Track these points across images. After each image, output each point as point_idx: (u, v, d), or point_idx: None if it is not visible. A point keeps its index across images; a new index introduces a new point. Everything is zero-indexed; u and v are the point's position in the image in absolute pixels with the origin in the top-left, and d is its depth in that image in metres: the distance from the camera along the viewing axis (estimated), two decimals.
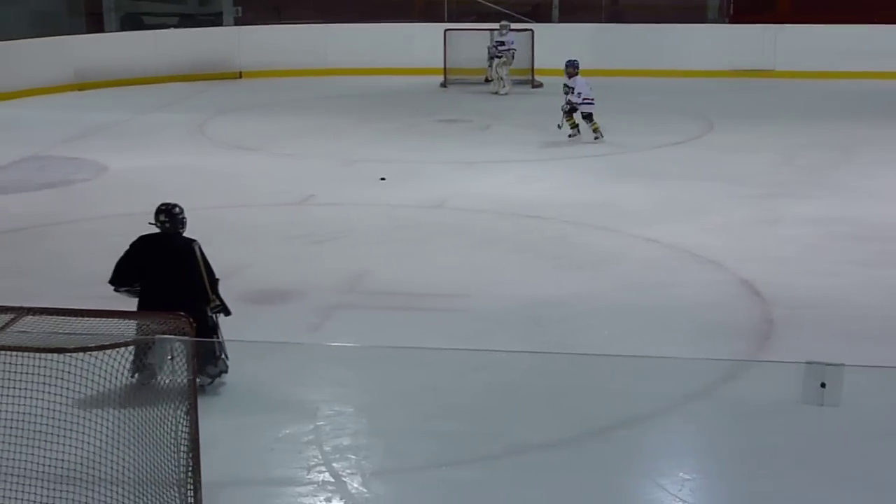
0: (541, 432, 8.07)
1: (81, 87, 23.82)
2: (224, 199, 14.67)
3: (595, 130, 17.79)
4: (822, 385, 7.49)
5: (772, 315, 10.32)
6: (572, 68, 17.89)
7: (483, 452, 7.79)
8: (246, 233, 13.24)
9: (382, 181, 15.44)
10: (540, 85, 23.82)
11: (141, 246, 8.74)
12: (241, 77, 25.69)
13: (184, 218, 8.78)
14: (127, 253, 8.77)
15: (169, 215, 8.68)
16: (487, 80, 23.63)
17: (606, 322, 10.24)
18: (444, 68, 24.31)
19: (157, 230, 8.71)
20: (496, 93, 23.17)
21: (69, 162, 17.16)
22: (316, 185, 15.46)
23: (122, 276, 8.74)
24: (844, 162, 16.79)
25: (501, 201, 14.44)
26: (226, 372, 8.61)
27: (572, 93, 17.74)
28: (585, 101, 17.67)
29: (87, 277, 11.27)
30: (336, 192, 15.04)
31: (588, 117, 17.79)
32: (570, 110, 17.88)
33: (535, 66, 24.07)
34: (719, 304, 10.67)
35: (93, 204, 14.70)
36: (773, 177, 15.81)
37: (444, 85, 24.12)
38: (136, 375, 7.57)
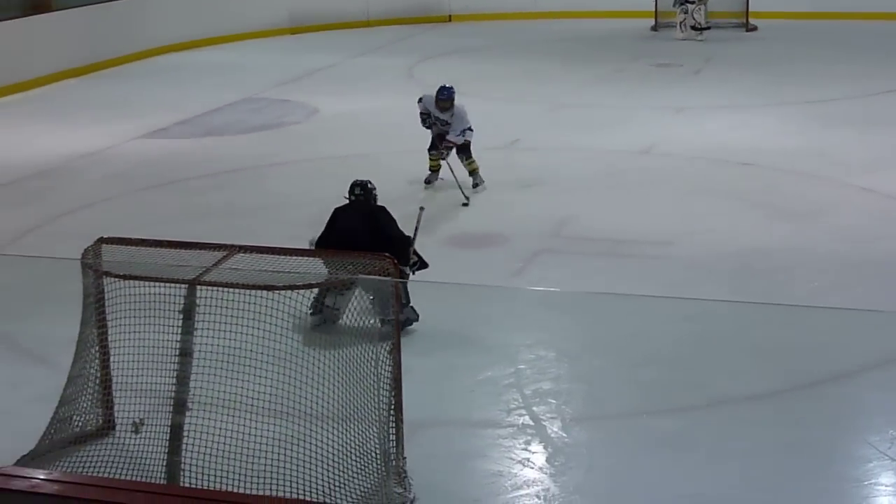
0: (745, 384, 7.90)
1: (294, 30, 24.29)
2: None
3: (473, 173, 12.60)
4: None
5: None
6: (447, 100, 12.45)
7: (685, 402, 7.69)
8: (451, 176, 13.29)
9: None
10: (754, 28, 23.21)
11: (338, 214, 8.88)
12: (450, 20, 25.78)
13: (376, 194, 9.00)
14: (326, 227, 8.86)
15: (364, 189, 8.92)
16: (696, 29, 22.81)
17: (817, 274, 9.95)
18: (655, 11, 23.85)
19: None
20: (684, 39, 22.52)
21: (282, 104, 17.55)
22: (523, 129, 15.43)
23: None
24: None
25: (711, 147, 14.15)
26: (416, 320, 8.66)
27: (444, 126, 12.54)
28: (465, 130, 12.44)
29: (299, 217, 11.54)
30: (543, 137, 14.98)
31: (464, 150, 12.50)
32: (435, 146, 12.71)
33: (750, 9, 23.42)
34: None
35: (305, 146, 15.00)
36: None
37: (654, 28, 23.70)
38: (313, 316, 8.17)
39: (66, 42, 20.20)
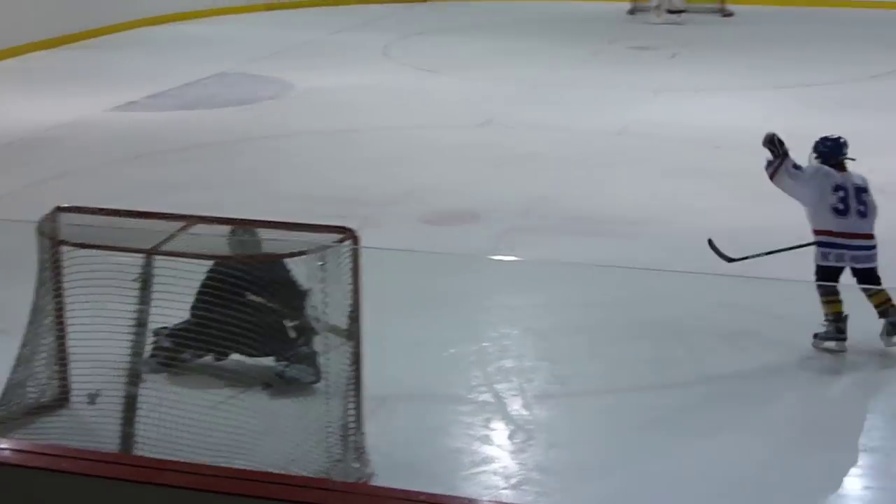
0: (715, 363, 7.86)
1: (270, 6, 24.08)
2: (406, 120, 14.69)
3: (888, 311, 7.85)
4: None
5: None
6: (842, 153, 8.22)
7: (649, 380, 7.63)
8: (426, 153, 13.24)
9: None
10: (731, 14, 23.16)
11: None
12: (427, 1, 25.61)
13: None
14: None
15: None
16: (672, 12, 22.77)
17: (793, 255, 9.87)
18: None
19: None
20: (661, 23, 22.42)
21: (256, 80, 17.40)
22: (498, 108, 15.34)
23: None
24: None
25: (687, 129, 14.08)
26: (313, 381, 6.88)
27: (847, 213, 7.90)
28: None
29: (272, 192, 11.46)
30: (519, 116, 14.89)
31: (871, 276, 7.89)
32: (826, 276, 7.94)
33: None
34: None
35: (278, 122, 14.88)
36: None
37: (631, 12, 23.60)
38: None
39: (39, 12, 19.94)
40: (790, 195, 8.14)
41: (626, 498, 6.24)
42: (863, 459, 6.82)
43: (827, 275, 7.85)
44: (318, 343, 6.72)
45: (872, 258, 7.76)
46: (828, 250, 7.80)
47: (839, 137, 8.11)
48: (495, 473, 6.49)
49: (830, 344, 7.80)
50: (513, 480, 6.43)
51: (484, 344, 8.21)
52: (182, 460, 5.69)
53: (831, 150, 8.10)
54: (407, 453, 6.69)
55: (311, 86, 16.77)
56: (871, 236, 7.74)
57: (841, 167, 7.99)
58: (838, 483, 6.58)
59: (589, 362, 7.88)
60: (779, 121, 14.43)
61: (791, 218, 10.69)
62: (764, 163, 8.15)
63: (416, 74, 17.95)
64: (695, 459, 6.64)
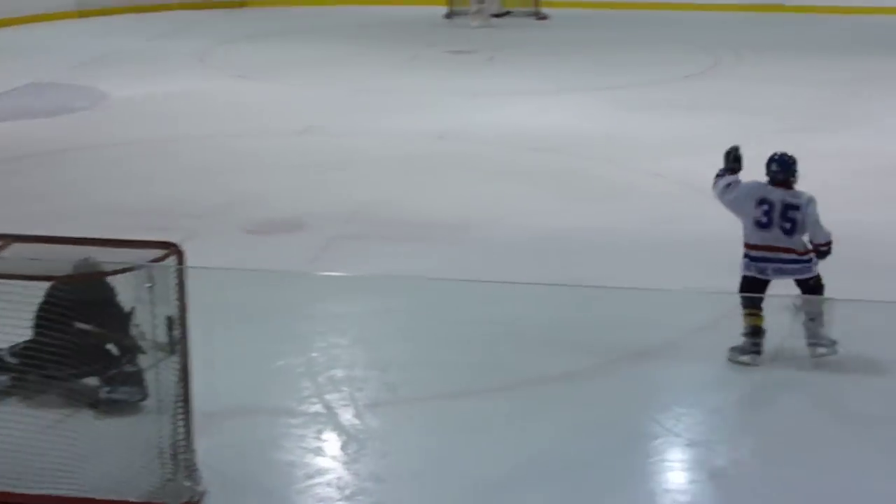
0: (541, 366, 7.97)
1: (82, 14, 23.54)
2: (226, 128, 14.54)
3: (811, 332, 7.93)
4: None
5: None
6: (792, 172, 7.98)
7: (481, 385, 7.70)
8: (247, 162, 13.13)
9: None
10: (545, 17, 23.55)
11: None
12: (243, 6, 25.39)
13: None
14: None
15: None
16: (497, 16, 23.15)
17: (612, 256, 10.10)
18: None
19: None
20: (479, 27, 22.71)
21: (70, 89, 16.98)
22: (318, 115, 15.29)
23: None
24: (856, 96, 16.42)
25: (506, 133, 14.26)
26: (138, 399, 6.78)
27: (785, 228, 7.82)
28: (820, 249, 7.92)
29: (92, 206, 11.21)
30: (339, 123, 14.87)
31: (809, 286, 7.92)
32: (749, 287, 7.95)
33: None
34: (725, 240, 10.42)
35: (94, 132, 14.55)
36: (787, 111, 15.42)
37: (448, 16, 23.80)
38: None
39: None
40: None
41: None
42: (685, 454, 7.00)
43: (749, 286, 7.90)
44: (143, 361, 6.60)
45: (802, 270, 7.82)
46: (749, 262, 7.89)
47: (775, 154, 7.99)
48: (329, 485, 6.46)
49: (745, 357, 7.86)
50: (347, 491, 6.41)
51: (313, 354, 8.19)
52: (5, 490, 5.55)
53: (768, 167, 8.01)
54: (239, 468, 6.61)
55: (126, 95, 16.44)
56: (794, 251, 7.82)
57: (784, 184, 7.91)
58: (661, 476, 6.74)
59: (419, 369, 7.92)
60: (595, 123, 14.85)
61: (612, 217, 11.02)
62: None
63: (234, 81, 17.80)
64: (525, 461, 6.72)
